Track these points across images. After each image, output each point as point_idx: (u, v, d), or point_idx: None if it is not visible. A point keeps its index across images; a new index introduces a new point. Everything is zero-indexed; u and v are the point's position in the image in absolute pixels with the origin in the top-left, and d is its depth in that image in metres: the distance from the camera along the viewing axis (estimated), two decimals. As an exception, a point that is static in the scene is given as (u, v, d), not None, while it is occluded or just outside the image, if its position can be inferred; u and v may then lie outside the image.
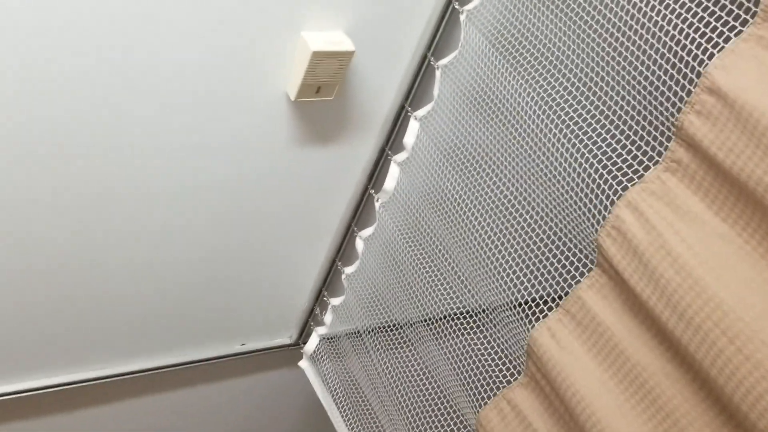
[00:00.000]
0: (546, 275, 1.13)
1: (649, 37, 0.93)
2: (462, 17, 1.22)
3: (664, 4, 0.90)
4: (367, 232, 1.55)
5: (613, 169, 0.98)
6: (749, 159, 0.80)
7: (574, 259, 1.07)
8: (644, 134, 0.96)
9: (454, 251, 1.34)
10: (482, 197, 1.27)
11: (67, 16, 0.96)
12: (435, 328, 1.41)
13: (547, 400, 1.11)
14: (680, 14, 0.88)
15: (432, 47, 1.28)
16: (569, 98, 1.06)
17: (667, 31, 0.90)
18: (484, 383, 1.26)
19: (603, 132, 1.02)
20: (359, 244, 1.57)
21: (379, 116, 1.40)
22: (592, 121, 1.03)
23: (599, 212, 0.99)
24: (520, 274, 1.17)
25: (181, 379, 1.89)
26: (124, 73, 1.07)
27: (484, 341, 1.28)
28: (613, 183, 0.97)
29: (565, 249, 1.09)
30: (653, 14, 0.92)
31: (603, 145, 1.01)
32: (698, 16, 0.86)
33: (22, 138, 1.08)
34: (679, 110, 0.88)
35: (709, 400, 0.88)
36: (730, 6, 0.83)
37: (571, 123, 1.06)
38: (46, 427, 1.75)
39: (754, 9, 0.81)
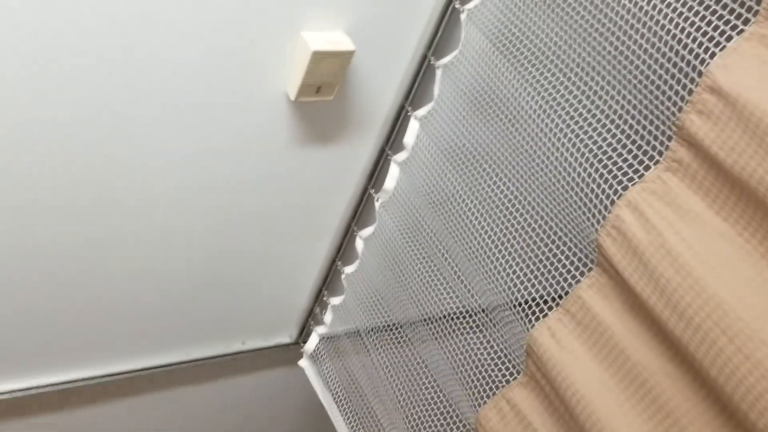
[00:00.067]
0: (546, 275, 1.13)
1: (650, 35, 0.93)
2: (463, 16, 1.22)
3: (666, 2, 0.90)
4: (367, 231, 1.55)
5: (614, 168, 0.98)
6: (750, 158, 0.80)
7: (575, 259, 1.07)
8: (645, 134, 0.96)
9: (454, 251, 1.34)
10: (482, 197, 1.26)
11: (66, 16, 0.96)
12: (435, 327, 1.41)
13: (546, 399, 1.11)
14: (681, 13, 0.88)
15: (432, 47, 1.28)
16: (570, 97, 1.06)
17: (669, 30, 0.89)
18: (484, 383, 1.26)
19: (603, 131, 1.01)
20: (359, 244, 1.57)
21: (379, 116, 1.40)
22: (593, 121, 1.03)
23: (599, 212, 0.99)
24: (520, 274, 1.17)
25: (181, 378, 1.89)
26: (123, 73, 1.07)
27: (484, 341, 1.28)
28: (614, 182, 0.97)
29: (565, 248, 1.09)
30: (654, 13, 0.91)
31: (603, 144, 1.01)
32: (700, 15, 0.86)
33: (20, 139, 1.08)
34: (680, 109, 0.88)
35: (709, 399, 0.88)
36: (732, 5, 0.82)
37: (571, 122, 1.05)
38: (45, 426, 1.75)
39: (756, 7, 0.80)
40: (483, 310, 1.28)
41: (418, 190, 1.41)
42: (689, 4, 0.87)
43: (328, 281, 1.75)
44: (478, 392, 1.26)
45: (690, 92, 0.86)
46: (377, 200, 1.49)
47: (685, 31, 0.87)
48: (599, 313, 1.01)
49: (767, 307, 0.80)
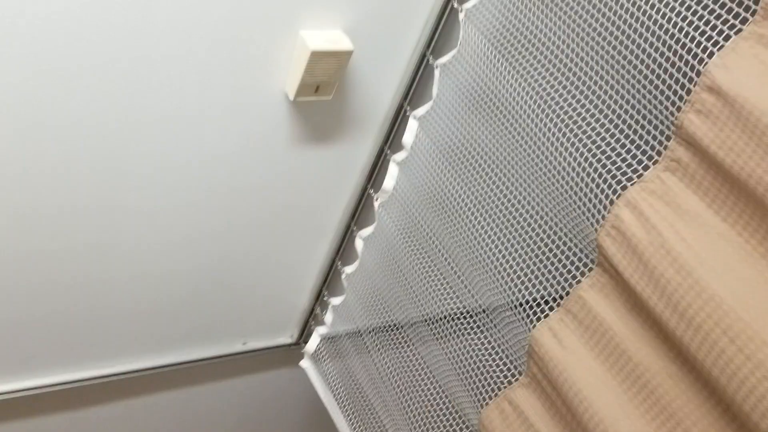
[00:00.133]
0: (546, 275, 1.13)
1: (648, 35, 0.93)
2: (461, 16, 1.21)
3: (664, 2, 0.89)
4: (367, 231, 1.55)
5: (613, 168, 0.98)
6: (749, 158, 0.80)
7: (575, 259, 1.07)
8: (644, 133, 0.95)
9: (454, 251, 1.33)
10: (482, 196, 1.26)
11: (70, 21, 0.96)
12: (436, 328, 1.41)
13: (548, 400, 1.11)
14: (680, 12, 0.88)
15: (431, 46, 1.28)
16: (568, 97, 1.06)
17: (667, 30, 0.89)
18: (486, 383, 1.26)
19: (602, 131, 1.01)
20: (359, 244, 1.57)
21: (378, 115, 1.39)
22: (592, 120, 1.03)
23: (599, 212, 0.98)
24: (521, 274, 1.17)
25: (182, 378, 1.89)
26: (121, 73, 1.06)
27: (485, 341, 1.27)
28: (613, 182, 0.97)
29: (565, 249, 1.09)
30: (653, 12, 0.91)
31: (602, 144, 1.00)
32: (698, 15, 0.85)
33: (21, 142, 1.08)
34: (678, 109, 0.87)
35: (712, 400, 0.88)
36: (730, 4, 0.82)
37: (570, 122, 1.05)
38: (46, 426, 1.75)
39: (754, 7, 0.80)
40: (484, 311, 1.27)
41: (418, 190, 1.41)
42: (687, 3, 0.87)
43: (329, 281, 1.75)
44: (480, 393, 1.26)
45: (689, 92, 0.86)
46: (376, 200, 1.49)
47: (684, 31, 0.87)
48: (600, 313, 1.01)
49: (767, 307, 0.80)
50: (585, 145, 1.02)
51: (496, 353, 1.24)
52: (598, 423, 0.98)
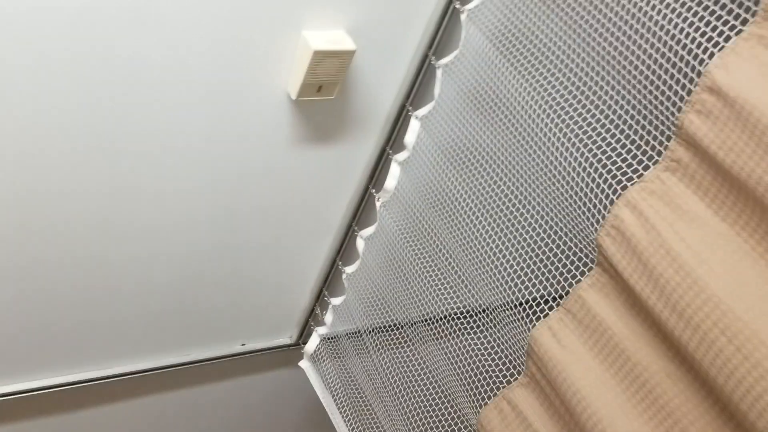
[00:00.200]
0: (546, 274, 1.13)
1: (649, 36, 0.93)
2: (463, 16, 1.22)
3: (665, 3, 0.90)
4: (368, 231, 1.55)
5: (613, 168, 0.98)
6: (749, 158, 0.80)
7: (575, 259, 1.07)
8: (644, 133, 0.96)
9: (455, 251, 1.34)
10: (483, 196, 1.27)
11: (72, 18, 0.96)
12: (435, 327, 1.41)
13: (547, 400, 1.11)
14: (680, 13, 0.88)
15: (433, 47, 1.28)
16: (569, 97, 1.06)
17: (668, 30, 0.90)
18: (485, 383, 1.26)
19: (603, 131, 1.01)
20: (360, 244, 1.57)
21: (380, 115, 1.40)
22: (592, 121, 1.03)
23: (599, 211, 0.99)
24: (521, 274, 1.17)
25: (182, 380, 1.89)
26: (124, 72, 1.07)
27: (485, 341, 1.28)
28: (613, 182, 0.97)
29: (565, 248, 1.09)
30: (654, 13, 0.92)
31: (603, 144, 1.01)
32: (698, 15, 0.86)
33: (23, 138, 1.08)
34: (679, 109, 0.88)
35: (710, 399, 0.88)
36: (730, 5, 0.83)
37: (571, 122, 1.06)
38: (46, 427, 1.75)
39: (754, 8, 0.80)
40: (483, 310, 1.28)
41: (419, 190, 1.41)
42: (688, 4, 0.87)
43: (329, 281, 1.75)
44: (479, 393, 1.26)
45: (689, 92, 0.86)
46: (378, 200, 1.49)
47: (684, 32, 0.87)
48: (600, 312, 1.01)
49: (766, 307, 0.80)
50: (585, 145, 1.03)
51: (495, 353, 1.24)
52: (596, 422, 0.98)
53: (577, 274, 1.06)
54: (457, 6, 1.21)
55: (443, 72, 1.29)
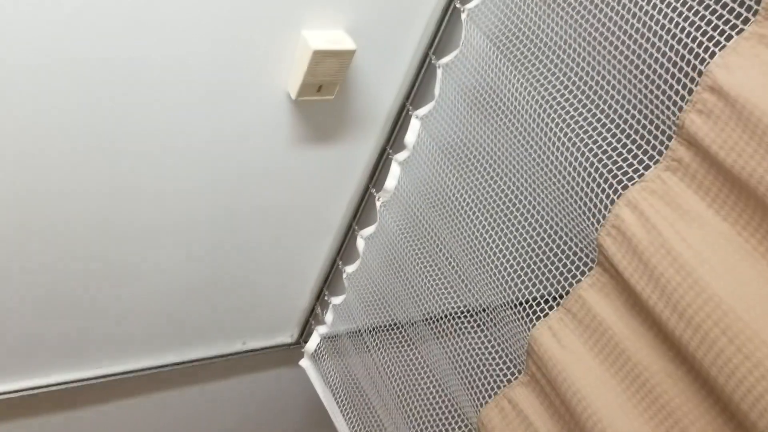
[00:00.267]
0: (546, 274, 1.13)
1: (650, 35, 0.93)
2: (463, 16, 1.22)
3: (666, 2, 0.90)
4: (368, 231, 1.55)
5: (614, 168, 0.98)
6: (750, 158, 0.80)
7: (575, 258, 1.07)
8: (645, 133, 0.96)
9: (455, 250, 1.34)
10: (483, 196, 1.26)
11: (73, 18, 0.96)
12: (436, 327, 1.41)
13: (547, 399, 1.11)
14: (682, 12, 0.88)
15: (433, 46, 1.28)
16: (570, 97, 1.06)
17: (669, 30, 0.89)
18: (485, 382, 1.26)
19: (603, 131, 1.01)
20: (360, 243, 1.57)
21: (380, 115, 1.40)
22: (593, 120, 1.03)
23: (599, 211, 0.99)
24: (521, 273, 1.17)
25: (182, 378, 1.89)
26: (124, 72, 1.07)
27: (485, 340, 1.28)
28: (614, 182, 0.97)
29: (565, 248, 1.09)
30: (655, 12, 0.91)
31: (603, 144, 1.00)
32: (700, 15, 0.86)
33: (25, 137, 1.08)
34: (680, 109, 0.88)
35: (710, 399, 0.88)
36: (731, 4, 0.82)
37: (571, 122, 1.05)
38: (46, 425, 1.75)
39: (755, 7, 0.80)
40: (484, 310, 1.28)
41: (420, 190, 1.41)
42: (689, 3, 0.87)
43: (329, 281, 1.75)
44: (480, 391, 1.26)
45: (690, 92, 0.86)
46: (378, 199, 1.49)
47: (685, 31, 0.87)
48: (600, 312, 1.01)
49: (767, 307, 0.80)
50: (586, 145, 1.02)
51: (496, 352, 1.24)
52: (596, 422, 0.98)
53: (578, 273, 1.05)
54: (458, 5, 1.21)
55: (443, 71, 1.29)
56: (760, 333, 0.79)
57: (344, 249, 1.66)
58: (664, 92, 0.92)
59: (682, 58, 0.87)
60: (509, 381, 1.19)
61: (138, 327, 1.60)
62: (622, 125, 0.99)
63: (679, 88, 0.89)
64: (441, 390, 1.44)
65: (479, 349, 1.29)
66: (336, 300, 1.73)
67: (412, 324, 1.49)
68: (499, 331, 1.23)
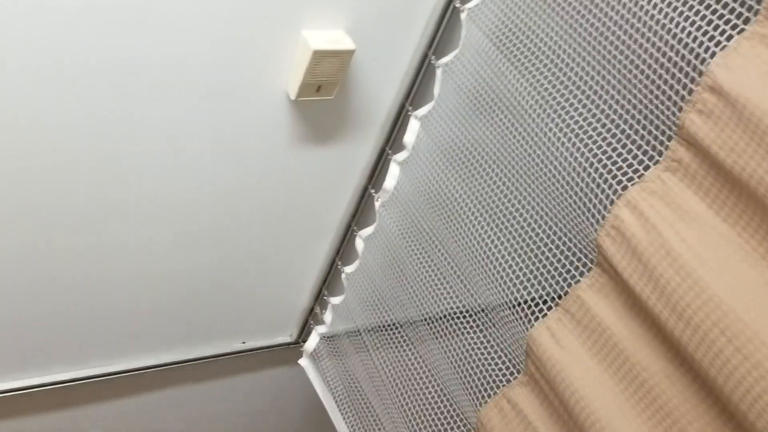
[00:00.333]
0: (545, 274, 1.13)
1: (650, 35, 0.93)
2: (463, 16, 1.21)
3: (666, 1, 0.90)
4: (367, 231, 1.55)
5: (613, 168, 0.98)
6: (750, 159, 0.80)
7: (574, 259, 1.07)
8: (645, 133, 0.95)
9: (454, 250, 1.33)
10: (482, 196, 1.26)
11: (73, 21, 0.96)
12: (435, 327, 1.41)
13: (546, 399, 1.11)
14: (682, 12, 0.88)
15: (433, 46, 1.28)
16: (570, 97, 1.06)
17: (669, 29, 0.89)
18: (485, 382, 1.26)
19: (603, 131, 1.01)
20: (359, 244, 1.57)
21: (380, 115, 1.39)
22: (593, 120, 1.03)
23: (599, 211, 0.98)
24: (520, 274, 1.17)
25: (182, 377, 1.89)
26: (123, 73, 1.07)
27: (484, 340, 1.27)
28: (613, 182, 0.97)
29: (564, 248, 1.09)
30: (655, 12, 0.91)
31: (603, 144, 1.00)
32: (700, 14, 0.85)
33: (23, 141, 1.08)
34: (680, 109, 0.88)
35: (709, 400, 0.88)
36: (732, 4, 0.82)
37: (571, 122, 1.05)
38: (46, 425, 1.75)
39: (756, 7, 0.80)
40: (483, 310, 1.28)
41: (418, 190, 1.41)
42: (690, 3, 0.87)
43: (329, 281, 1.75)
44: (479, 391, 1.26)
45: (690, 92, 0.86)
46: (377, 200, 1.49)
47: (686, 31, 0.87)
48: (599, 313, 1.01)
49: (767, 308, 0.80)
50: (586, 145, 1.02)
51: (495, 352, 1.24)
52: (594, 422, 0.98)
53: (576, 274, 1.05)
54: (457, 5, 1.21)
55: (443, 71, 1.29)
56: (759, 333, 0.79)
57: (343, 249, 1.66)
58: (664, 92, 0.92)
59: (683, 57, 0.87)
60: (508, 381, 1.19)
61: (138, 326, 1.60)
62: (622, 125, 0.99)
63: (679, 88, 0.89)
64: (440, 390, 1.44)
65: (478, 349, 1.29)
66: (335, 300, 1.73)
67: (411, 324, 1.49)
68: (498, 331, 1.23)
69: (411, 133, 1.37)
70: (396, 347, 1.58)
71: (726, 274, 0.84)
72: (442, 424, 1.42)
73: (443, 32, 1.26)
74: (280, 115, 1.27)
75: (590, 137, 1.03)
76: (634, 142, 0.96)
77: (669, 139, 0.90)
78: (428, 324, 1.44)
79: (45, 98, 1.04)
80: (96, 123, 1.11)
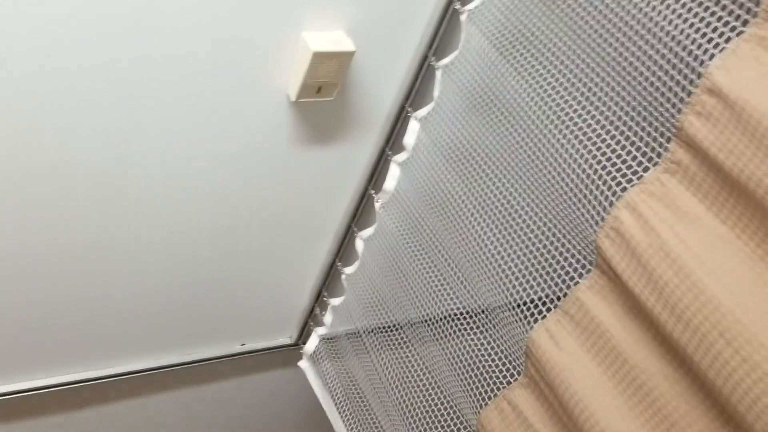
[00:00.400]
0: (545, 276, 1.13)
1: (649, 37, 0.93)
2: (463, 17, 1.22)
3: (665, 4, 0.90)
4: (367, 232, 1.55)
5: (613, 170, 0.98)
6: (749, 161, 0.80)
7: (573, 261, 1.07)
8: (644, 135, 0.95)
9: (454, 251, 1.33)
10: (482, 198, 1.26)
11: (74, 22, 0.96)
12: (435, 328, 1.41)
13: (546, 401, 1.11)
14: (680, 14, 0.88)
15: (433, 47, 1.28)
16: (569, 99, 1.06)
17: (668, 32, 0.89)
18: (485, 383, 1.26)
19: (603, 132, 1.01)
20: (359, 245, 1.57)
21: (380, 116, 1.40)
22: (592, 122, 1.03)
23: (598, 213, 0.98)
24: (519, 275, 1.17)
25: (181, 379, 1.89)
26: (121, 74, 1.07)
27: (484, 342, 1.27)
28: (612, 184, 0.97)
29: (564, 250, 1.09)
30: (653, 14, 0.91)
31: (602, 145, 1.00)
32: (699, 16, 0.86)
33: (25, 141, 1.08)
34: (679, 111, 0.88)
35: (707, 402, 0.88)
36: (730, 6, 0.82)
37: (570, 123, 1.05)
38: (46, 426, 1.75)
39: (755, 9, 0.80)
40: (483, 311, 1.28)
41: (419, 191, 1.41)
42: (688, 5, 0.87)
43: (328, 282, 1.75)
44: (479, 393, 1.26)
45: (689, 94, 0.86)
46: (377, 201, 1.49)
47: (684, 33, 0.87)
48: (598, 315, 1.01)
49: (766, 310, 0.80)
50: (585, 147, 1.02)
51: (495, 353, 1.24)
52: (593, 425, 0.98)
53: (576, 276, 1.05)
54: (457, 7, 1.21)
55: (443, 73, 1.29)
56: (758, 335, 0.79)
57: (343, 250, 1.66)
58: (663, 94, 0.92)
59: (681, 60, 0.87)
60: (509, 383, 1.19)
61: (137, 328, 1.60)
62: (621, 127, 0.99)
63: (678, 90, 0.89)
64: (440, 392, 1.44)
65: (479, 350, 1.29)
66: (335, 301, 1.73)
67: (411, 325, 1.49)
68: (498, 332, 1.23)
69: (411, 134, 1.37)
70: (396, 349, 1.58)
71: (725, 276, 0.84)
72: (442, 426, 1.42)
73: (443, 34, 1.26)
74: (280, 116, 1.27)
75: (590, 139, 1.03)
76: (633, 143, 0.97)
77: (668, 140, 0.90)
78: (428, 325, 1.44)
79: (45, 98, 1.04)
80: (96, 123, 1.11)
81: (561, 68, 1.09)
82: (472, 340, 1.31)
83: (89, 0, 0.96)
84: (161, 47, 1.06)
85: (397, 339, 1.57)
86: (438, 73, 1.29)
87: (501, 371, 1.22)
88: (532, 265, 1.15)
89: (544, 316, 1.09)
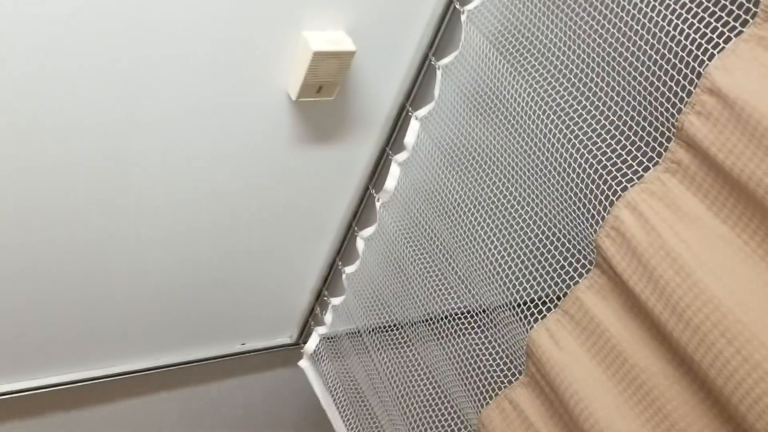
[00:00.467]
0: (545, 275, 1.13)
1: (649, 37, 0.93)
2: (463, 17, 1.22)
3: (665, 4, 0.90)
4: (368, 231, 1.55)
5: (613, 169, 0.98)
6: (749, 160, 0.80)
7: (573, 260, 1.07)
8: (644, 135, 0.96)
9: (455, 251, 1.34)
10: (482, 197, 1.26)
11: (76, 24, 0.96)
12: (435, 327, 1.41)
13: (547, 400, 1.11)
14: (680, 14, 0.88)
15: (433, 47, 1.28)
16: (569, 98, 1.06)
17: (668, 32, 0.89)
18: (486, 383, 1.26)
19: (603, 132, 1.01)
20: (360, 244, 1.57)
21: (380, 116, 1.40)
22: (592, 122, 1.03)
23: (598, 213, 0.98)
24: (519, 275, 1.17)
25: (181, 379, 1.89)
26: (122, 73, 1.07)
27: (485, 341, 1.28)
28: (613, 183, 0.97)
29: (564, 249, 1.09)
30: (653, 14, 0.91)
31: (603, 145, 1.01)
32: (698, 17, 0.86)
33: (26, 141, 1.08)
34: (679, 111, 0.88)
35: (708, 401, 0.88)
36: (730, 6, 0.82)
37: (571, 123, 1.05)
38: (46, 426, 1.75)
39: (754, 9, 0.80)
40: (483, 311, 1.28)
41: (419, 190, 1.41)
42: (688, 6, 0.87)
43: (329, 281, 1.75)
44: (480, 392, 1.26)
45: (689, 94, 0.86)
46: (378, 200, 1.49)
47: (684, 33, 0.87)
48: (598, 314, 1.01)
49: (766, 309, 0.80)
50: (585, 146, 1.02)
51: (496, 353, 1.24)
52: (593, 424, 0.98)
53: (576, 275, 1.05)
54: (457, 7, 1.21)
55: (443, 72, 1.29)
56: (759, 335, 0.79)
57: (344, 249, 1.66)
58: (663, 94, 0.92)
59: (681, 60, 0.88)
60: (510, 382, 1.19)
61: (137, 328, 1.60)
62: (622, 127, 0.99)
63: (678, 90, 0.89)
64: (440, 391, 1.44)
65: (479, 349, 1.29)
66: (335, 300, 1.73)
67: (412, 325, 1.49)
68: (499, 332, 1.23)
69: (411, 134, 1.37)
70: (397, 348, 1.58)
71: (725, 276, 0.84)
72: (443, 425, 1.42)
73: (443, 33, 1.26)
74: (280, 116, 1.27)
75: (590, 138, 1.03)
76: (633, 143, 0.97)
77: (668, 140, 0.90)
78: (429, 325, 1.44)
79: (45, 98, 1.04)
80: (96, 123, 1.11)
81: (561, 68, 1.09)
82: (473, 339, 1.31)
83: (89, 0, 0.96)
84: (161, 47, 1.06)
85: (397, 338, 1.57)
86: (438, 73, 1.29)
87: (502, 370, 1.22)
88: (532, 264, 1.15)
89: (545, 315, 1.09)
